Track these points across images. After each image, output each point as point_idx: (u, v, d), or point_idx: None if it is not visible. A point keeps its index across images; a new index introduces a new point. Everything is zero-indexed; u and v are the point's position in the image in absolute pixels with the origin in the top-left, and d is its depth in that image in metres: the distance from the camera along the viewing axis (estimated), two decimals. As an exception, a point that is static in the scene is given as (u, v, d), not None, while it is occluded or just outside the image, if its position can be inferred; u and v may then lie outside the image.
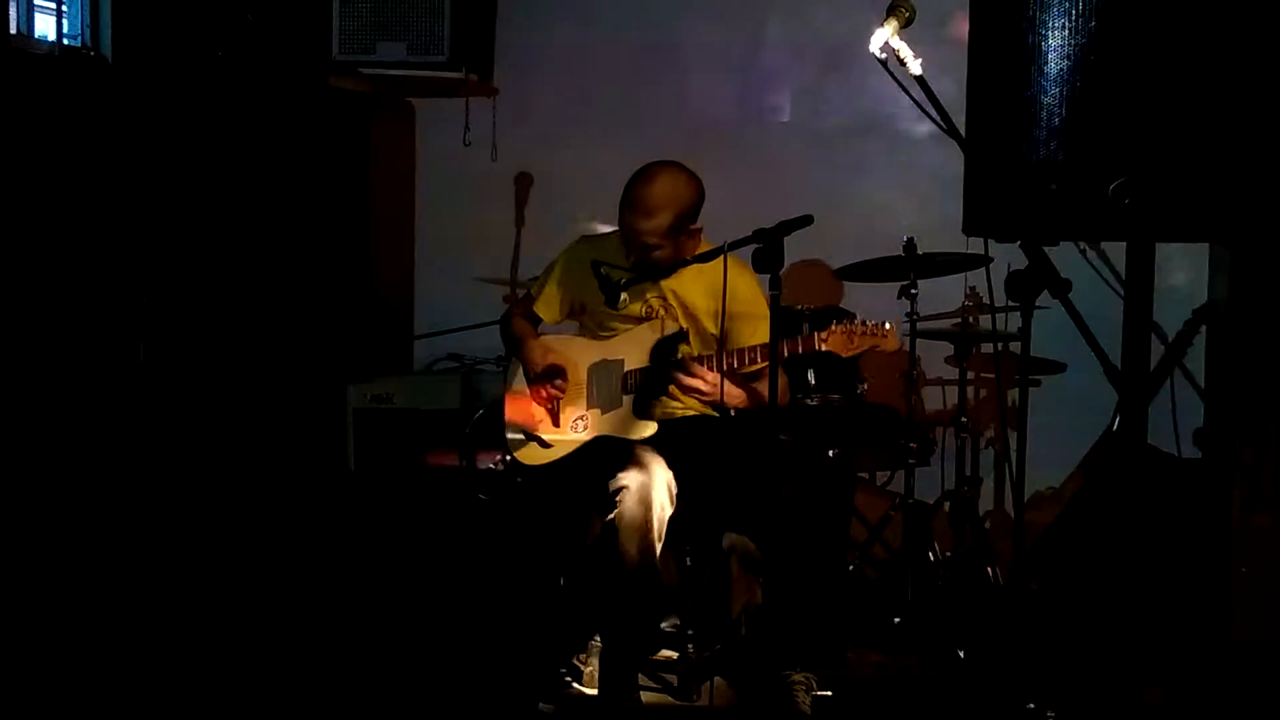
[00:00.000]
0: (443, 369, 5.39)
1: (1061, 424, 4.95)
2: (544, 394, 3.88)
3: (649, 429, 3.75)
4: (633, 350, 3.82)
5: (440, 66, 5.18)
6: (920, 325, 4.56)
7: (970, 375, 4.86)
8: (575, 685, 3.86)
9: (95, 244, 4.33)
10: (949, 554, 4.57)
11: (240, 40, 4.85)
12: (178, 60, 4.65)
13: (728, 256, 3.44)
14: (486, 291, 5.30)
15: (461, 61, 5.20)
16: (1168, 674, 3.87)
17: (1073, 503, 4.73)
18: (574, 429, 3.86)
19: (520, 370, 3.98)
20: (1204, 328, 4.77)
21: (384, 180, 5.63)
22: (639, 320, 3.83)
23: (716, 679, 3.79)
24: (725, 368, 3.63)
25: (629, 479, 3.55)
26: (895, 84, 3.04)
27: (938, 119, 3.06)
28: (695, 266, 3.78)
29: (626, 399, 3.80)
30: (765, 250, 3.17)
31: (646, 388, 3.79)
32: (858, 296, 4.89)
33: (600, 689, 3.75)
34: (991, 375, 5.26)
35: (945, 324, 4.84)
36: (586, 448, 3.82)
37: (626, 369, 3.81)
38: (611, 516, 3.56)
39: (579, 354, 3.90)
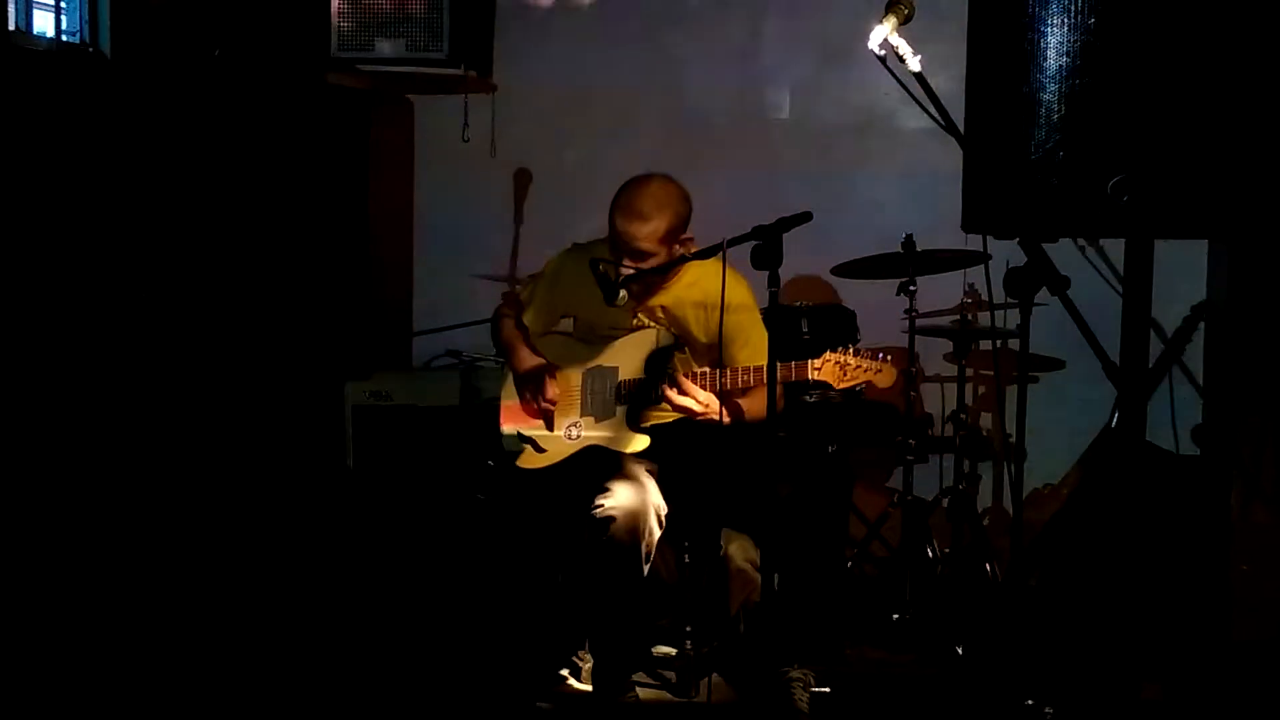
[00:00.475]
0: (441, 366, 5.39)
1: (1060, 421, 4.95)
2: (530, 402, 3.87)
3: (641, 443, 3.75)
4: (627, 359, 3.82)
5: (439, 63, 5.17)
6: (919, 322, 4.57)
7: (969, 372, 4.86)
8: (574, 682, 3.87)
9: (93, 240, 4.33)
10: (947, 551, 4.57)
11: (239, 36, 4.84)
12: (177, 57, 4.65)
13: (725, 265, 3.44)
14: (485, 288, 5.30)
15: (460, 58, 5.19)
16: (1166, 670, 3.88)
17: (1071, 500, 4.73)
18: (568, 435, 3.86)
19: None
20: (1202, 324, 4.78)
21: (383, 177, 5.63)
22: (631, 330, 3.83)
23: (714, 676, 3.80)
24: (719, 387, 3.64)
25: (617, 508, 3.56)
26: (894, 81, 3.04)
27: (936, 116, 3.06)
28: (686, 281, 3.79)
29: (620, 409, 3.80)
30: (764, 247, 3.17)
31: (640, 399, 3.79)
32: (856, 293, 4.89)
33: (596, 686, 3.75)
34: (990, 372, 5.26)
35: (944, 321, 4.84)
36: (579, 457, 3.82)
37: (620, 378, 3.81)
38: (599, 539, 3.57)
39: (573, 358, 3.90)
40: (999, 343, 5.03)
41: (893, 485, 5.07)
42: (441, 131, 5.61)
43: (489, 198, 5.54)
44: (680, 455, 3.78)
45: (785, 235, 3.19)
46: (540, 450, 3.88)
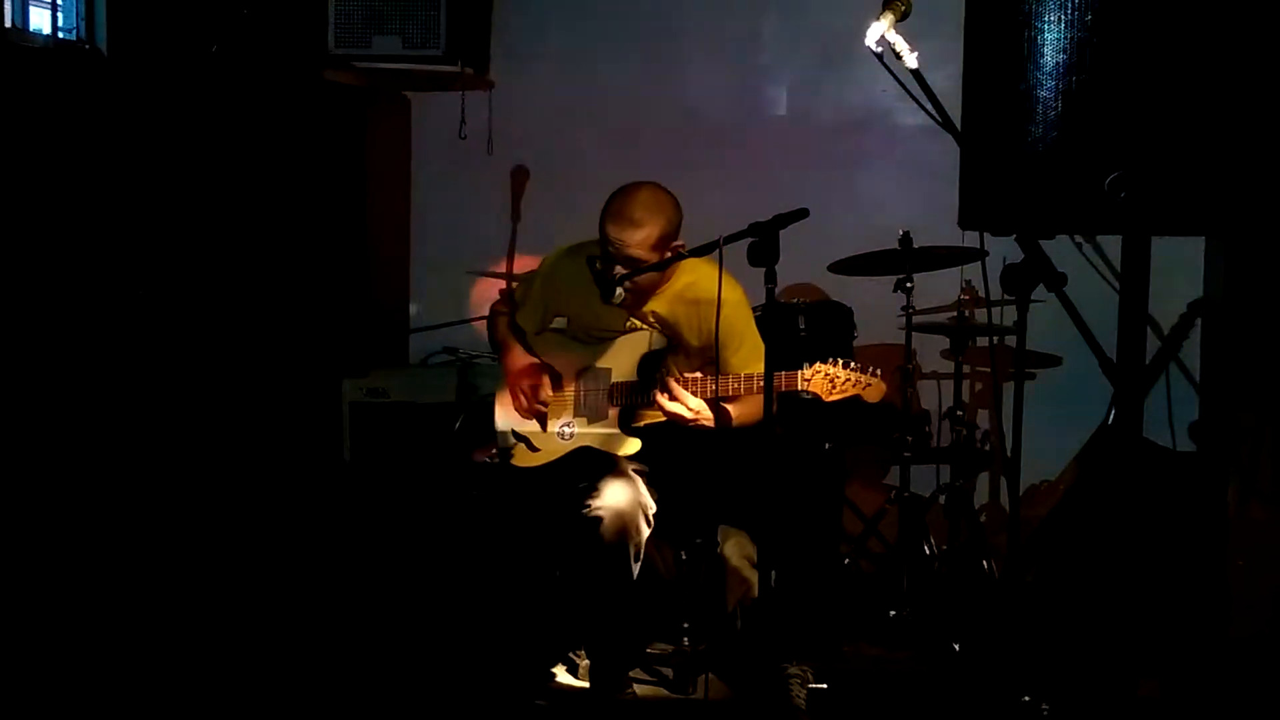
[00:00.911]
0: (438, 362, 5.39)
1: (1057, 417, 4.95)
2: (522, 400, 3.87)
3: (634, 446, 3.76)
4: (620, 361, 3.82)
5: (436, 60, 5.18)
6: (916, 319, 4.57)
7: (966, 369, 4.86)
8: (570, 680, 3.87)
9: (90, 237, 4.32)
10: (944, 548, 4.58)
11: (236, 33, 4.84)
12: (173, 53, 4.64)
13: (720, 264, 3.44)
14: (482, 285, 5.30)
15: (457, 55, 5.20)
16: (1163, 667, 3.88)
17: (1068, 496, 4.73)
18: (561, 435, 3.87)
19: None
20: (1199, 322, 4.78)
21: (380, 174, 5.63)
22: (625, 332, 3.83)
23: (711, 673, 3.80)
24: (710, 393, 3.64)
25: (605, 508, 3.58)
26: (891, 78, 3.04)
27: (933, 113, 3.06)
28: (679, 286, 3.78)
29: (613, 412, 3.81)
30: (761, 244, 3.16)
31: (632, 402, 3.79)
32: (854, 290, 4.89)
33: (593, 683, 3.75)
34: (987, 369, 5.26)
35: (941, 318, 4.85)
36: (571, 457, 3.83)
37: (614, 380, 3.81)
38: (589, 539, 3.58)
39: (567, 359, 3.90)
40: (996, 339, 5.03)
41: (890, 482, 5.08)
42: (438, 129, 5.61)
43: (486, 195, 5.54)
44: (676, 453, 3.78)
45: (782, 232, 3.19)
46: (534, 449, 3.88)
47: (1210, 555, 4.09)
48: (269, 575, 4.56)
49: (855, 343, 4.69)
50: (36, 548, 4.04)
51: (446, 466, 4.80)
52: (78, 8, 4.43)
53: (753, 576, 3.81)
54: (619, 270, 3.66)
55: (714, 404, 3.66)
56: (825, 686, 3.79)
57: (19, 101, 4.06)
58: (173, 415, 4.61)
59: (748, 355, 3.73)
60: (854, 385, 3.60)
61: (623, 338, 3.82)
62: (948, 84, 3.07)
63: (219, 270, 4.83)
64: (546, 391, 3.84)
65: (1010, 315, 4.34)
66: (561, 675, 3.88)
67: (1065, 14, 2.62)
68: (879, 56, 3.02)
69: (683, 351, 3.83)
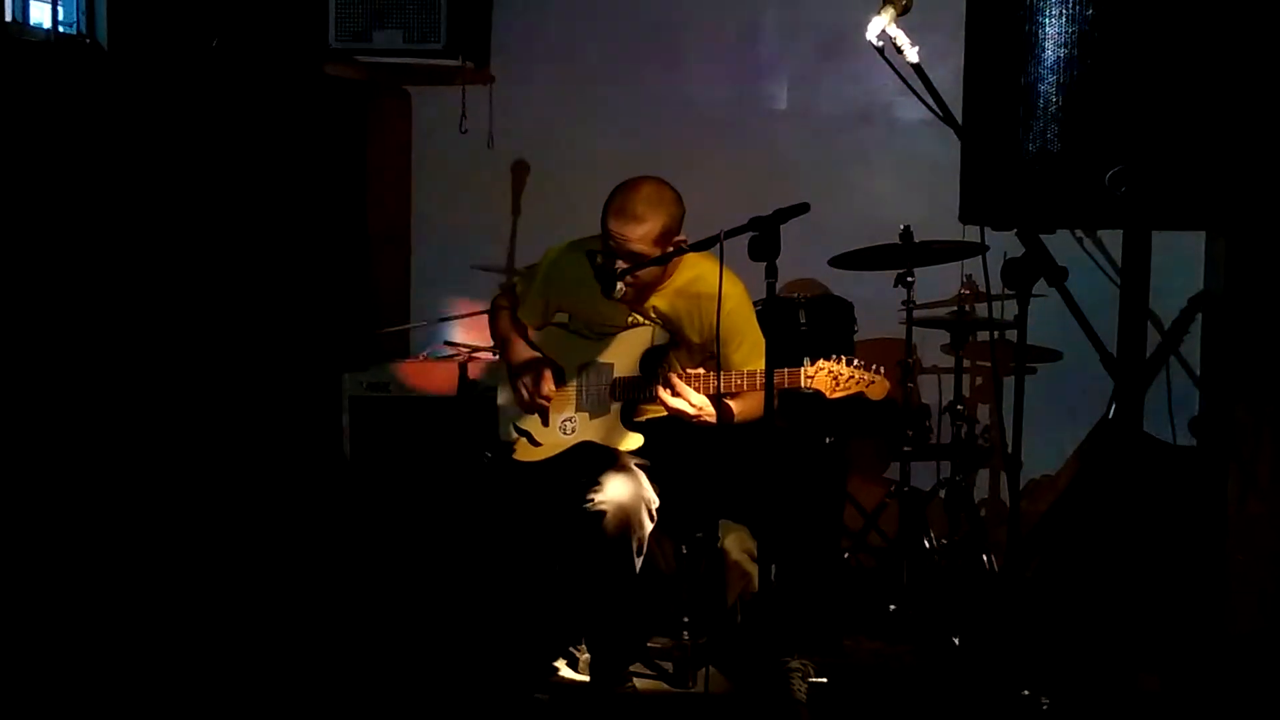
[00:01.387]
0: (439, 357, 5.39)
1: (1057, 412, 4.96)
2: (524, 395, 3.88)
3: (635, 441, 3.76)
4: (622, 355, 3.82)
5: (437, 54, 5.17)
6: (916, 313, 4.57)
7: (966, 364, 4.86)
8: (571, 673, 3.87)
9: (91, 232, 4.32)
10: (945, 542, 4.58)
11: (236, 28, 4.84)
12: (174, 48, 4.64)
13: (721, 260, 3.44)
14: (483, 279, 5.30)
15: (458, 49, 5.19)
16: (1163, 661, 3.89)
17: (1068, 490, 4.74)
18: (563, 430, 3.87)
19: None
20: (1200, 316, 4.78)
21: (380, 168, 5.63)
22: (626, 327, 3.83)
23: (711, 666, 3.81)
24: (712, 389, 3.65)
25: (607, 502, 3.58)
26: (892, 72, 3.04)
27: (934, 107, 3.06)
28: (681, 282, 3.78)
29: (614, 406, 3.81)
30: (761, 238, 3.16)
31: (634, 397, 3.79)
32: (854, 285, 4.89)
33: (594, 677, 3.76)
34: (987, 363, 5.26)
35: (941, 312, 4.85)
36: (573, 452, 3.83)
37: (615, 375, 3.81)
38: (591, 533, 3.59)
39: (569, 353, 3.90)
40: (996, 334, 5.04)
41: (890, 476, 5.08)
42: (439, 123, 5.61)
43: (486, 189, 5.54)
44: (677, 447, 3.78)
45: (783, 226, 3.19)
46: (536, 444, 3.88)
47: (1210, 550, 4.10)
48: (270, 570, 4.57)
49: (856, 337, 4.69)
50: (35, 543, 4.04)
51: (448, 461, 4.80)
52: (78, 2, 4.43)
53: (753, 571, 3.83)
54: (620, 265, 3.66)
55: (716, 400, 3.66)
56: (825, 680, 3.79)
57: (19, 96, 4.05)
58: (173, 410, 4.61)
59: (749, 352, 3.73)
60: (857, 383, 3.60)
61: (625, 333, 3.82)
62: (949, 78, 3.07)
63: (220, 265, 4.83)
64: (549, 386, 3.84)
65: (1011, 310, 4.36)
66: (562, 669, 3.88)
67: (1066, 8, 2.62)
68: (880, 51, 3.02)
69: (684, 347, 3.83)
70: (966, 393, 4.97)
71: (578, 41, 5.52)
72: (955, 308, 4.80)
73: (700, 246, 3.51)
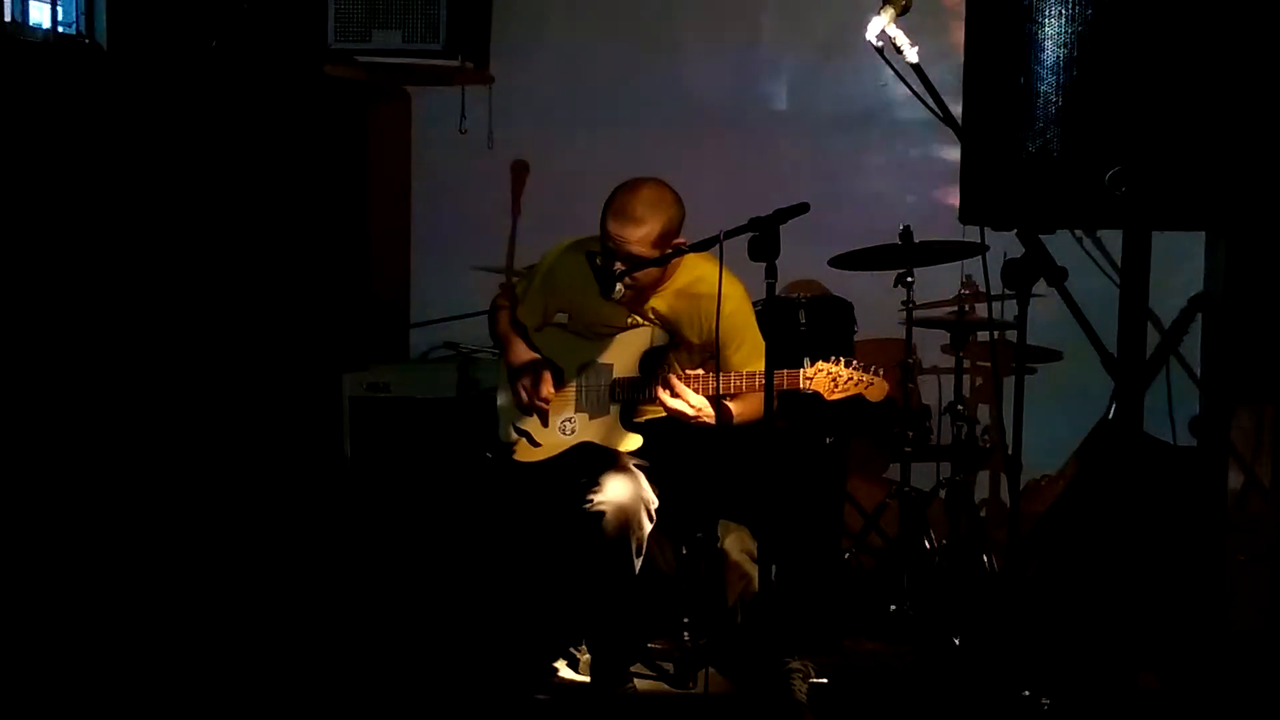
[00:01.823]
0: (439, 357, 5.39)
1: (1057, 412, 4.95)
2: (523, 397, 3.87)
3: (635, 441, 3.76)
4: (621, 356, 3.81)
5: (436, 55, 5.17)
6: (916, 314, 4.57)
7: (966, 364, 4.86)
8: (571, 674, 3.87)
9: (90, 232, 4.32)
10: (945, 542, 4.58)
11: (236, 28, 4.83)
12: (173, 48, 4.64)
13: (721, 261, 3.44)
14: (483, 280, 5.29)
15: (458, 49, 5.19)
16: (1163, 661, 3.89)
17: (1068, 491, 4.74)
18: (562, 430, 3.86)
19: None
20: (1200, 316, 4.78)
21: (380, 169, 5.62)
22: (625, 328, 3.83)
23: (712, 667, 3.80)
24: (712, 390, 3.64)
25: (607, 502, 3.58)
26: (892, 72, 3.04)
27: (934, 107, 3.06)
28: (680, 284, 3.78)
29: (614, 408, 3.81)
30: (761, 239, 3.16)
31: (633, 398, 3.79)
32: (854, 285, 4.89)
33: (594, 678, 3.76)
34: (987, 363, 5.26)
35: (941, 312, 4.85)
36: (573, 452, 3.83)
37: (615, 376, 3.81)
38: (590, 534, 3.59)
39: (569, 354, 3.90)
40: (996, 334, 5.03)
41: (890, 477, 5.08)
42: (439, 123, 5.61)
43: (486, 189, 5.54)
44: (677, 448, 3.78)
45: (782, 227, 3.19)
46: (535, 444, 3.88)
47: (1210, 549, 4.10)
48: (270, 571, 4.56)
49: (855, 337, 4.69)
50: (35, 544, 4.04)
51: (448, 461, 4.80)
52: (77, 2, 4.43)
53: (753, 571, 3.82)
54: (619, 266, 3.66)
55: (715, 401, 3.66)
56: (826, 681, 3.79)
57: (18, 96, 4.05)
58: (173, 411, 4.61)
59: (749, 353, 3.73)
60: (856, 384, 3.60)
61: (624, 333, 3.82)
62: (948, 78, 3.07)
63: (220, 265, 4.83)
64: (548, 388, 3.84)
65: (1011, 310, 4.35)
66: (562, 670, 3.88)
67: (1066, 9, 2.62)
68: (880, 51, 3.02)
69: (684, 348, 3.83)
70: (967, 393, 4.96)
71: (577, 42, 5.52)
72: (955, 308, 4.79)
73: (700, 247, 3.51)
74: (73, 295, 4.25)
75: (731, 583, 3.87)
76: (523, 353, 3.93)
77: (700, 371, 3.69)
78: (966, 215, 2.89)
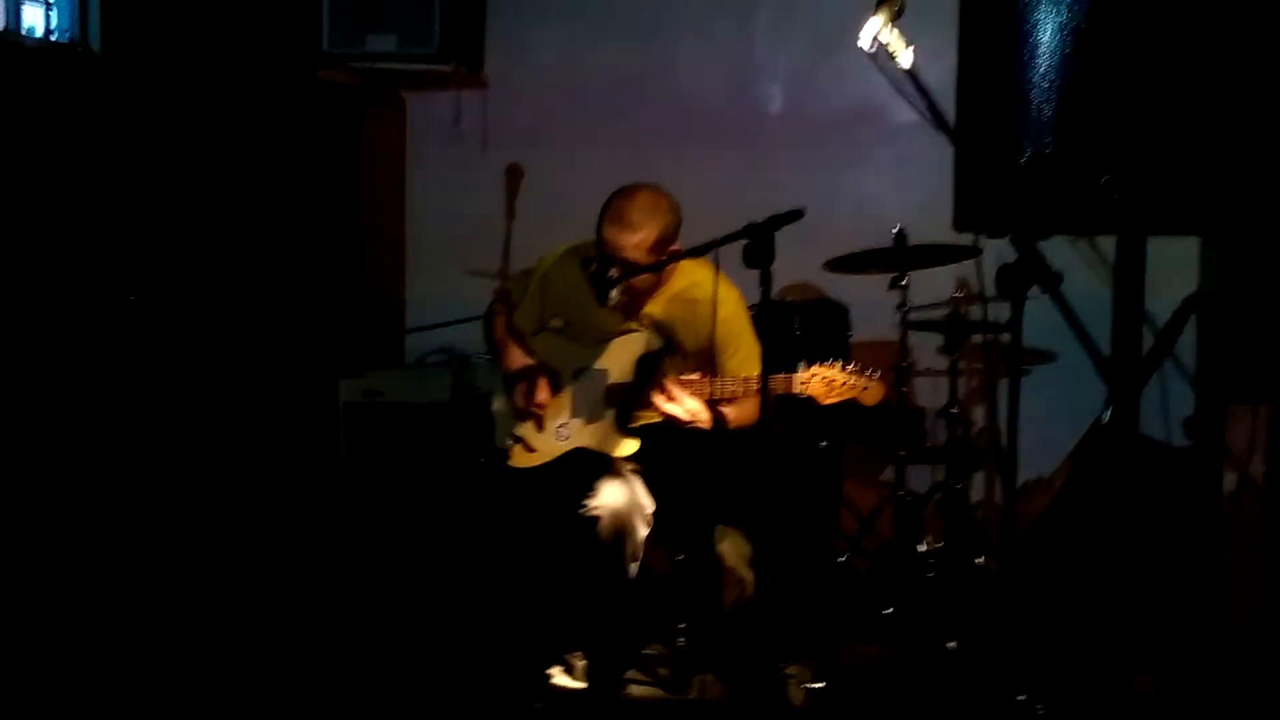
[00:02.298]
0: (434, 362, 5.38)
1: (1052, 413, 4.95)
2: (519, 401, 3.87)
3: (630, 446, 3.76)
4: (617, 362, 3.81)
5: (430, 59, 5.18)
6: (911, 316, 4.57)
7: (961, 365, 4.86)
8: (567, 681, 3.87)
9: (84, 239, 4.32)
10: (940, 545, 4.58)
11: (230, 33, 4.83)
12: (167, 54, 4.63)
13: (716, 268, 3.43)
14: (478, 285, 5.29)
15: (452, 54, 5.20)
16: (1158, 662, 3.89)
17: (1063, 492, 4.74)
18: (558, 436, 3.86)
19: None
20: (1194, 316, 4.78)
21: (374, 173, 5.62)
22: (621, 333, 3.83)
23: (708, 673, 3.80)
24: (708, 395, 3.64)
25: (602, 508, 3.59)
26: (885, 78, 3.04)
27: (927, 113, 3.06)
28: (675, 289, 3.79)
29: (609, 413, 3.80)
30: (755, 246, 3.15)
31: (629, 403, 3.79)
32: (849, 287, 4.89)
33: (590, 684, 3.76)
34: (982, 365, 5.26)
35: (936, 314, 4.85)
36: (568, 458, 3.82)
37: (610, 381, 3.81)
38: (586, 539, 3.58)
39: (564, 359, 3.89)
40: (990, 336, 5.03)
41: (886, 480, 5.08)
42: (433, 127, 5.61)
43: (481, 193, 5.54)
44: (672, 453, 3.78)
45: (777, 231, 3.19)
46: (531, 449, 3.87)
47: (1205, 550, 4.10)
48: (266, 577, 4.56)
49: (850, 340, 4.69)
50: (32, 546, 4.03)
51: (443, 466, 4.80)
52: (71, 8, 4.42)
53: (749, 576, 3.82)
54: (614, 272, 3.65)
55: (711, 406, 3.66)
56: (822, 685, 3.79)
57: (12, 102, 4.05)
58: (168, 417, 4.61)
59: (744, 359, 3.73)
60: (850, 388, 3.60)
61: (620, 339, 3.81)
62: (943, 78, 3.06)
63: (214, 271, 4.83)
64: (544, 394, 3.83)
65: (1005, 311, 4.34)
66: (558, 676, 3.88)
67: (1059, 16, 2.63)
68: (873, 57, 3.02)
69: (679, 353, 3.83)
70: (961, 395, 4.96)
71: (571, 45, 5.52)
72: (950, 310, 4.79)
73: (695, 254, 3.51)
74: (69, 301, 4.25)
75: (727, 587, 3.87)
76: (519, 357, 3.93)
77: (696, 376, 3.69)
78: (961, 223, 2.89)
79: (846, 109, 5.36)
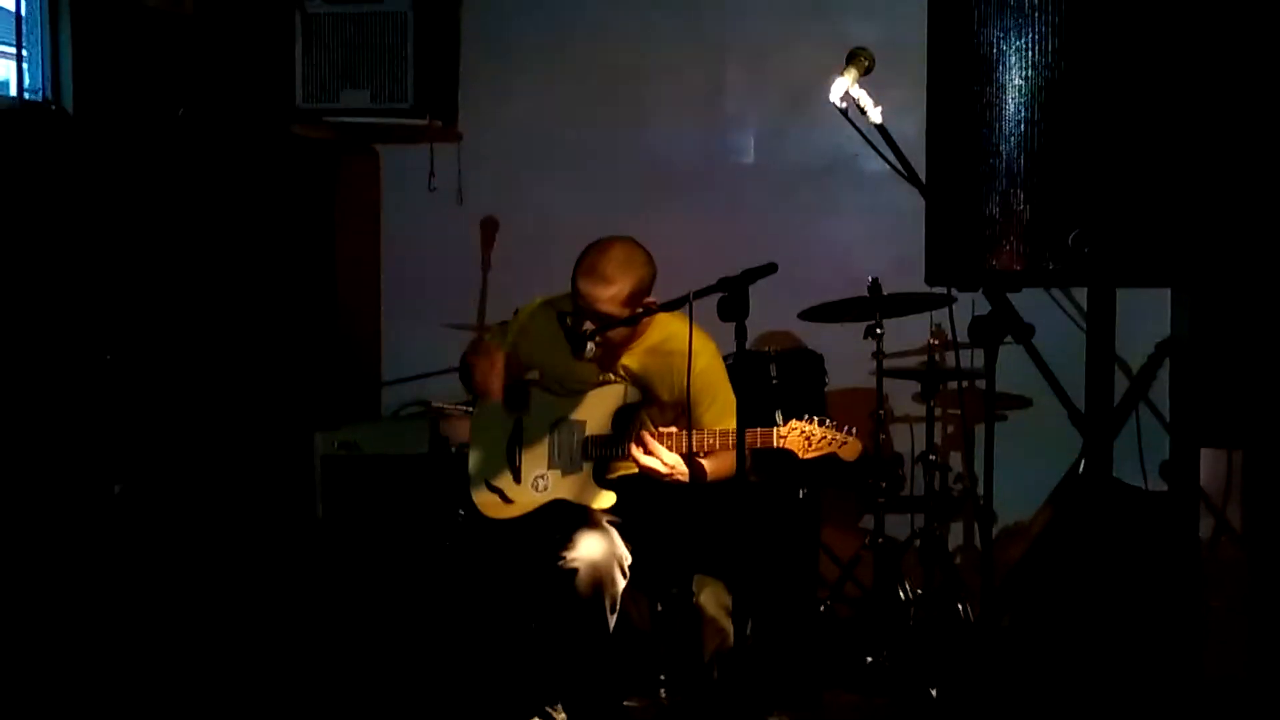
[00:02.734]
0: (410, 415, 5.38)
1: (1028, 458, 4.96)
2: (479, 376, 3.84)
3: (608, 499, 3.75)
4: (594, 413, 3.81)
5: (404, 113, 5.20)
6: (886, 363, 4.59)
7: (937, 412, 4.88)
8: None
9: (58, 298, 4.31)
10: (920, 592, 4.58)
11: (204, 90, 4.84)
12: (141, 112, 4.64)
13: (691, 321, 3.45)
14: (453, 337, 5.29)
15: (425, 108, 5.22)
16: (1139, 708, 3.88)
17: (1041, 538, 4.74)
18: (535, 487, 3.85)
19: (483, 419, 3.98)
20: (1168, 361, 4.81)
21: (350, 227, 5.63)
22: (598, 385, 3.83)
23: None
24: (685, 449, 3.65)
25: (579, 559, 3.57)
26: (856, 133, 3.07)
27: (898, 166, 3.09)
28: (651, 341, 3.80)
29: (586, 465, 3.80)
30: (730, 299, 3.17)
31: (606, 455, 3.79)
32: (824, 336, 4.90)
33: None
34: (958, 411, 5.28)
35: (911, 362, 4.86)
36: (545, 510, 3.82)
37: (588, 433, 3.81)
38: (563, 591, 3.57)
39: (542, 410, 3.89)
40: (965, 383, 5.05)
41: (865, 526, 5.08)
42: (408, 181, 5.63)
43: (456, 246, 5.55)
44: (650, 504, 3.78)
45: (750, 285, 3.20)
46: (508, 501, 3.87)
47: (1184, 594, 4.11)
48: (242, 631, 4.52)
49: (827, 389, 4.71)
50: (12, 592, 4.00)
51: (420, 519, 4.78)
52: (44, 67, 4.42)
53: (729, 626, 3.80)
54: (589, 325, 3.66)
55: (689, 459, 3.66)
56: (804, 736, 3.78)
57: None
58: (144, 472, 4.58)
59: (720, 411, 3.74)
60: (830, 444, 3.62)
61: (597, 390, 3.82)
62: (913, 131, 3.09)
63: (190, 326, 4.82)
64: (498, 378, 3.81)
65: (980, 357, 4.36)
66: (539, 730, 3.86)
67: (1026, 70, 2.66)
68: (844, 112, 3.05)
69: (656, 405, 3.83)
70: (938, 441, 4.98)
71: (545, 99, 5.55)
72: (925, 357, 4.81)
73: (669, 307, 3.53)
74: (43, 358, 4.23)
75: (708, 638, 3.86)
76: (496, 356, 3.90)
77: (674, 430, 3.69)
78: (933, 276, 2.90)
79: (819, 160, 5.40)
